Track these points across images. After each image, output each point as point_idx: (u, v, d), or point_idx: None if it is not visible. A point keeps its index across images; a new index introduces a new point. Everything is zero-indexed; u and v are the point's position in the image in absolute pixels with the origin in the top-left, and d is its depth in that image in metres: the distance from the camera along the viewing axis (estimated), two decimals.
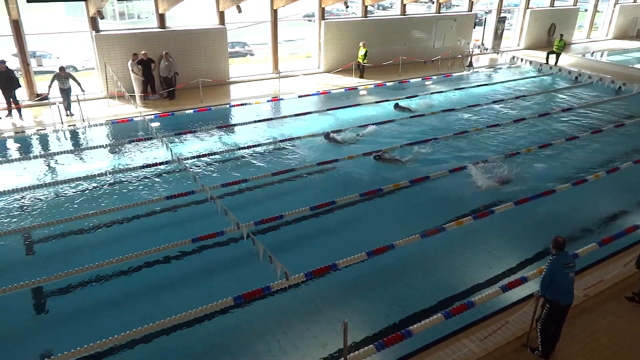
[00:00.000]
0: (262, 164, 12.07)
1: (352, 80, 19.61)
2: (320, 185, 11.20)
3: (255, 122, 14.89)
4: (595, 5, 30.13)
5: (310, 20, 21.95)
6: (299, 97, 17.56)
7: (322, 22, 20.26)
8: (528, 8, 26.72)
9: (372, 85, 19.19)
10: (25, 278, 7.40)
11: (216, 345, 6.69)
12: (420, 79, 20.47)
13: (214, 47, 17.87)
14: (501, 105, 17.17)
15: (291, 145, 13.20)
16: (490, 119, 15.69)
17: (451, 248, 8.79)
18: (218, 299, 6.94)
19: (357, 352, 6.10)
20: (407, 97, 17.62)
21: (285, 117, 15.53)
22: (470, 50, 23.30)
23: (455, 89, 19.13)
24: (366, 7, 21.21)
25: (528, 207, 9.91)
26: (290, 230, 9.26)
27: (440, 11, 23.70)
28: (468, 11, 24.66)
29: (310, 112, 15.89)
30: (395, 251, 8.26)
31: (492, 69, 22.79)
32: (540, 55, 24.06)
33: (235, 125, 14.77)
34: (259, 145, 13.09)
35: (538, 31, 27.47)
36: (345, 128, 14.16)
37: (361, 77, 20.11)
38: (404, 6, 22.27)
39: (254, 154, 12.61)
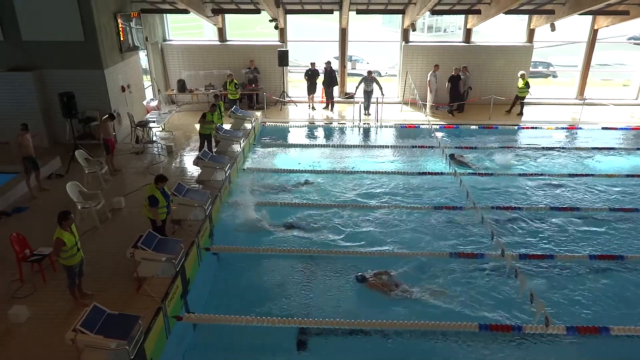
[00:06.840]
0: (546, 196, 11.09)
1: None
2: (608, 231, 9.63)
3: (544, 148, 13.78)
4: None
5: (637, 44, 18.90)
6: (603, 128, 15.42)
7: None
8: None
9: None
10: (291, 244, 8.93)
11: None
12: None
13: (515, 65, 17.13)
14: None
15: (578, 182, 11.73)
16: None
17: None
18: (461, 319, 6.86)
19: None
20: None
21: (580, 148, 13.87)
22: None
23: None
24: None
25: None
26: (559, 274, 8.27)
27: None
28: None
29: (613, 148, 13.82)
30: None
31: None
32: None
33: (518, 148, 13.90)
34: (539, 175, 12.07)
35: None
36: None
37: (519, 114, 16.39)
38: None
39: (536, 184, 11.63)
